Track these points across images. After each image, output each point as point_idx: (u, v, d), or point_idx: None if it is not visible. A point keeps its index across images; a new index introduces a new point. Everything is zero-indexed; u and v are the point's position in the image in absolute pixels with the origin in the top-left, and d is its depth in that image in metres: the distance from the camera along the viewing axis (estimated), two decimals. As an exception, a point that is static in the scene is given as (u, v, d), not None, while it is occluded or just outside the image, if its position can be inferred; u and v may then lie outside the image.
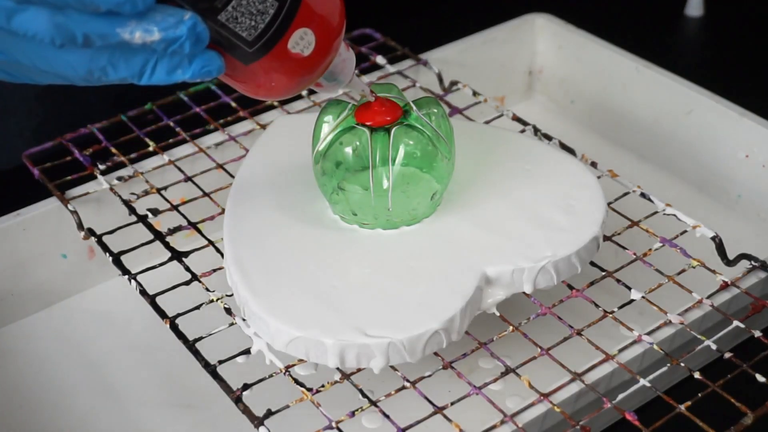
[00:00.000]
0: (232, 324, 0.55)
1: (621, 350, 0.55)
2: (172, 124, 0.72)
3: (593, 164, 0.67)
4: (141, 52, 0.45)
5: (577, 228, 0.56)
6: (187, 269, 0.59)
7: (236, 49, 0.47)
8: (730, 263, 0.61)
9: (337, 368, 0.52)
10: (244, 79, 0.49)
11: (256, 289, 0.53)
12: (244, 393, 0.51)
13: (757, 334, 0.55)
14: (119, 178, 0.67)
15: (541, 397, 0.52)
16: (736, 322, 0.55)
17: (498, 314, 0.55)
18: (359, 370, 0.52)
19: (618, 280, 0.58)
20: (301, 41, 0.48)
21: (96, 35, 0.43)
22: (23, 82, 0.47)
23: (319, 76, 0.51)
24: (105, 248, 0.61)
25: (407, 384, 0.52)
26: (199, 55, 0.46)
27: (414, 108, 0.56)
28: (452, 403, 0.51)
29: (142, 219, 0.63)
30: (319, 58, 0.49)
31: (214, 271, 0.59)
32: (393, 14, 1.00)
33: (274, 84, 0.50)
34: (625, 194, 0.64)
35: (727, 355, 0.53)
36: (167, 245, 0.60)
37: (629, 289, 0.57)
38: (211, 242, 0.61)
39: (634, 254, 0.59)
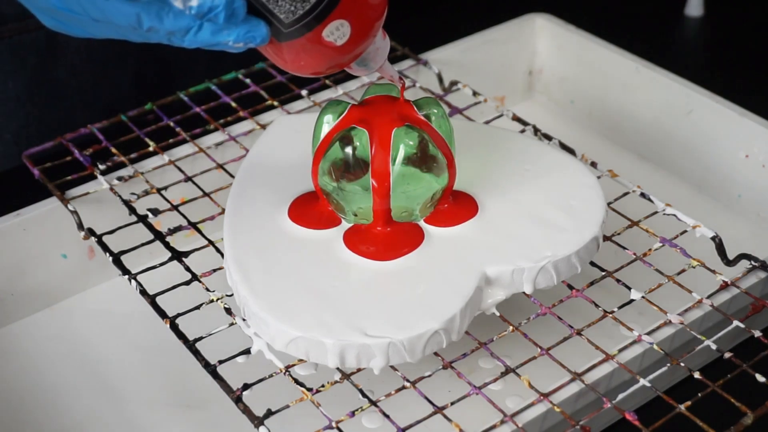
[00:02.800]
0: (232, 324, 0.55)
1: (621, 350, 0.55)
2: (172, 124, 0.72)
3: (593, 164, 0.67)
4: None
5: (577, 228, 0.56)
6: (187, 269, 0.59)
7: (272, 26, 0.48)
8: (730, 263, 0.61)
9: (337, 368, 0.52)
10: (276, 51, 0.50)
11: (256, 289, 0.53)
12: (244, 393, 0.51)
13: (757, 334, 0.55)
14: (119, 178, 0.67)
15: (541, 397, 0.52)
16: (736, 322, 0.55)
17: (498, 314, 0.55)
18: (359, 370, 0.52)
19: (618, 280, 0.58)
20: (337, 32, 0.49)
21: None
22: (78, 35, 0.48)
23: (349, 63, 0.52)
24: (105, 248, 0.61)
25: (407, 384, 0.52)
26: (244, 21, 0.47)
27: (414, 109, 0.56)
28: (452, 403, 0.51)
29: (142, 219, 0.63)
30: (351, 49, 0.50)
31: (214, 271, 0.59)
32: (393, 14, 1.00)
33: (303, 64, 0.51)
34: (625, 194, 0.64)
35: (727, 355, 0.53)
36: (167, 245, 0.60)
37: (629, 289, 0.57)
38: (211, 242, 0.61)
39: (634, 254, 0.59)
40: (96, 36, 0.48)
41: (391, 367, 0.52)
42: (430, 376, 0.53)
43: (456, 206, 0.57)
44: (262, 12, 0.48)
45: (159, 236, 0.61)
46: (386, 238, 0.55)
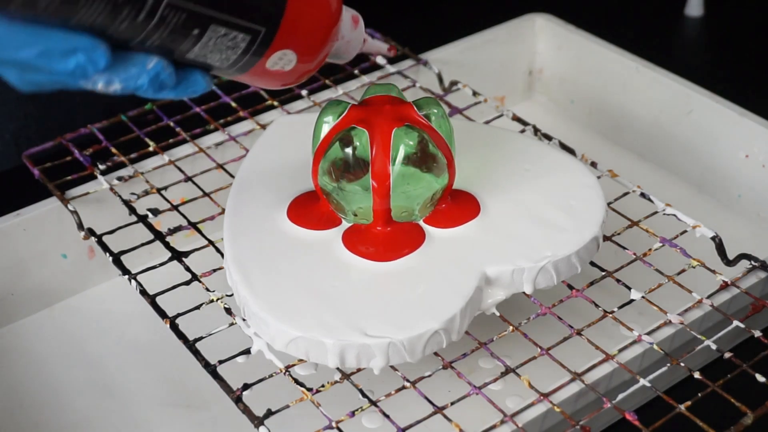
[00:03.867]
0: (232, 324, 0.55)
1: (621, 350, 0.55)
2: (172, 124, 0.72)
3: (593, 164, 0.67)
4: None
5: (577, 228, 0.56)
6: (187, 269, 0.59)
7: (213, 69, 0.47)
8: (730, 263, 0.61)
9: (337, 368, 0.52)
10: (233, 77, 0.49)
11: (256, 289, 0.53)
12: (244, 393, 0.51)
13: (757, 334, 0.55)
14: (119, 178, 0.67)
15: (541, 397, 0.52)
16: (736, 322, 0.55)
17: (498, 314, 0.55)
18: (359, 370, 0.52)
19: (618, 280, 0.58)
20: (281, 61, 0.46)
21: (60, 85, 0.44)
22: (29, 89, 0.47)
23: (314, 70, 0.49)
24: (105, 248, 0.61)
25: (407, 384, 0.52)
26: (179, 82, 0.46)
27: (415, 108, 0.56)
28: (452, 403, 0.51)
29: (142, 219, 0.63)
30: (303, 68, 0.48)
31: (214, 271, 0.59)
32: (393, 14, 1.00)
33: (260, 86, 0.50)
34: (625, 194, 0.64)
35: (727, 355, 0.53)
36: (167, 245, 0.60)
37: (629, 289, 0.57)
38: (211, 242, 0.61)
39: (634, 254, 0.59)
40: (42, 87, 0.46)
41: (391, 367, 0.52)
42: (430, 376, 0.53)
43: (457, 207, 0.57)
44: (199, 63, 0.46)
45: (159, 236, 0.61)
46: (387, 238, 0.55)
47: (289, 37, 0.46)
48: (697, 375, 0.52)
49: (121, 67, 0.44)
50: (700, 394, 0.51)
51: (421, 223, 0.57)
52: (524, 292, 0.55)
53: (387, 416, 0.50)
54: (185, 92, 0.46)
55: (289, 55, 0.46)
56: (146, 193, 0.66)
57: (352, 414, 0.51)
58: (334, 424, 0.50)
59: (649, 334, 0.55)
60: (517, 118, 0.71)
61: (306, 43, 0.47)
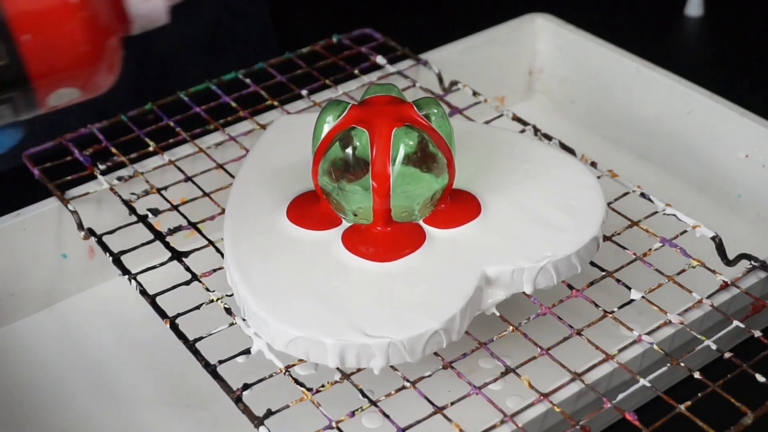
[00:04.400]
0: (232, 324, 0.55)
1: (621, 350, 0.55)
2: (172, 124, 0.72)
3: (593, 164, 0.67)
4: None
5: (577, 228, 0.57)
6: (187, 269, 0.59)
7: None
8: (730, 263, 0.61)
9: (337, 368, 0.52)
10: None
11: (256, 289, 0.53)
12: (244, 393, 0.51)
13: (757, 334, 0.55)
14: (119, 178, 0.67)
15: (541, 397, 0.52)
16: (736, 322, 0.55)
17: (498, 314, 0.55)
18: (359, 370, 0.52)
19: (618, 280, 0.58)
20: (61, 98, 0.41)
21: None
22: None
23: (114, 75, 0.43)
24: (105, 248, 0.61)
25: (407, 384, 0.52)
26: None
27: (415, 109, 0.56)
28: (452, 403, 0.51)
29: (142, 219, 0.63)
30: (96, 86, 0.42)
31: (214, 271, 0.59)
32: (393, 14, 1.00)
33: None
34: (625, 194, 0.64)
35: (727, 355, 0.53)
36: (167, 245, 0.60)
37: (629, 289, 0.57)
38: (211, 242, 0.61)
39: (634, 254, 0.59)
40: None
41: (391, 367, 0.52)
42: (430, 376, 0.53)
43: (457, 207, 0.57)
44: None
45: (159, 236, 0.61)
46: (387, 238, 0.55)
47: (48, 83, 0.40)
48: (697, 375, 0.52)
49: None
50: (700, 394, 0.51)
51: (421, 223, 0.57)
52: (524, 292, 0.55)
53: (387, 416, 0.50)
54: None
55: (65, 90, 0.41)
56: (146, 193, 0.66)
57: (352, 414, 0.51)
58: (334, 424, 0.50)
59: (649, 334, 0.55)
60: (517, 118, 0.71)
61: (75, 73, 0.41)
